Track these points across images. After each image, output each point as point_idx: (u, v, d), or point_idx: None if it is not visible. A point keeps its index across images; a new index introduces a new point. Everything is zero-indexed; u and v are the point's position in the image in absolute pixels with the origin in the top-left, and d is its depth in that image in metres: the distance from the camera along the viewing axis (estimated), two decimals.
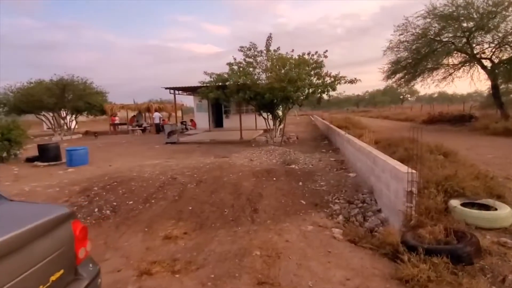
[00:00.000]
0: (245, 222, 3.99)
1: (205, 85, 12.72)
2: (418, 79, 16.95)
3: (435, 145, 7.65)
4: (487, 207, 3.85)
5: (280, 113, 12.88)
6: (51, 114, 17.37)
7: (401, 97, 55.94)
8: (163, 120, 22.90)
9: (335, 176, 6.37)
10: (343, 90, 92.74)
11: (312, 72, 11.38)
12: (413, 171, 3.65)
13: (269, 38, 12.11)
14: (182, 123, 22.11)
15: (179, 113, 25.96)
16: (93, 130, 21.58)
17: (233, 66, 12.30)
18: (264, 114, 13.35)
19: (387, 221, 4.24)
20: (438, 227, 3.23)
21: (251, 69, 12.04)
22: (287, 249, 3.21)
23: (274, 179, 6.28)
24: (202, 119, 21.28)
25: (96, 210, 4.50)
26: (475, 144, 9.70)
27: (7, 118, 10.01)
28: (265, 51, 11.96)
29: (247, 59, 12.24)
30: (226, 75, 12.13)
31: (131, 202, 4.80)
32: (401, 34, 15.03)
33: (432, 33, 14.22)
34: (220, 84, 12.45)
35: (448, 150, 7.30)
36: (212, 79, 12.43)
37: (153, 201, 4.90)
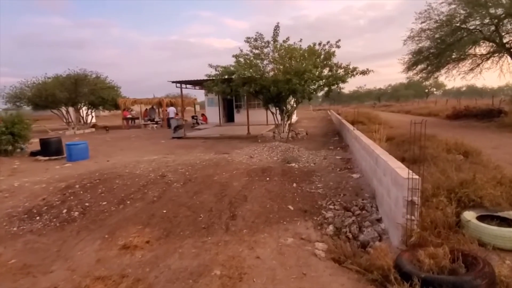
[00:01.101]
0: (218, 231, 3.51)
1: (210, 78, 12.30)
2: (442, 71, 15.60)
3: (455, 142, 6.80)
4: (509, 222, 3.14)
5: (288, 107, 12.21)
6: (65, 108, 17.70)
7: (426, 90, 52.94)
8: (176, 114, 22.84)
9: (336, 177, 5.74)
10: (364, 83, 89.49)
11: (321, 64, 10.62)
12: (416, 176, 3.00)
13: (277, 27, 11.43)
14: (193, 117, 21.95)
15: (190, 108, 25.81)
16: (110, 125, 21.94)
17: (239, 58, 11.78)
18: (273, 109, 12.78)
19: (387, 233, 3.61)
20: (443, 249, 2.58)
21: (258, 61, 11.47)
22: (255, 268, 2.70)
23: (268, 179, 5.74)
24: (213, 114, 20.96)
25: (65, 211, 4.20)
26: (503, 142, 8.61)
27: (12, 112, 10.02)
28: (272, 42, 11.30)
29: (254, 51, 11.67)
30: (232, 68, 11.63)
31: (104, 203, 4.46)
32: (423, 22, 13.79)
33: (457, 20, 12.90)
34: (226, 77, 11.98)
35: (469, 148, 6.44)
36: (217, 72, 11.97)
37: (128, 202, 4.54)
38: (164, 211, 4.13)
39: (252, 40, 11.71)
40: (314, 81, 10.24)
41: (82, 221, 3.92)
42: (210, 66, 11.91)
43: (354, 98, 62.28)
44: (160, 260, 2.92)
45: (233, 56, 11.93)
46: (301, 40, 11.20)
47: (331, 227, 3.69)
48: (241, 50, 12.06)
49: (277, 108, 12.40)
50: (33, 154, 9.66)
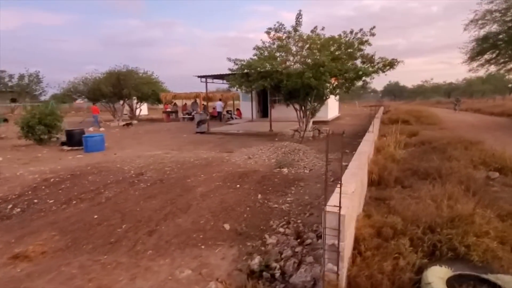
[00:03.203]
0: (121, 249, 3.05)
1: (232, 73, 11.87)
2: None
3: (492, 154, 5.16)
4: None
5: (309, 104, 11.12)
6: (112, 101, 19.25)
7: (510, 85, 44.33)
8: (223, 108, 23.24)
9: (318, 190, 4.79)
10: (431, 77, 79.33)
11: (345, 55, 9.31)
12: (337, 210, 2.09)
13: (299, 15, 10.40)
14: (228, 112, 21.96)
15: (226, 102, 25.82)
16: (157, 117, 23.33)
17: (261, 51, 11.07)
18: (296, 105, 11.82)
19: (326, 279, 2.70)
20: None
21: (280, 53, 10.62)
22: None
23: (238, 186, 5.08)
24: (248, 109, 20.60)
25: (9, 207, 4.22)
26: None
27: (46, 105, 11.03)
28: (292, 32, 10.32)
29: (278, 42, 10.84)
30: (250, 61, 11.00)
31: (51, 201, 4.38)
32: (491, 2, 11.17)
33: None
34: (246, 71, 11.41)
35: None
36: (238, 65, 11.46)
37: (75, 202, 4.38)
38: (95, 217, 3.83)
39: (274, 30, 10.90)
40: (330, 76, 8.99)
41: (15, 220, 3.87)
42: (229, 59, 11.46)
43: (419, 94, 55.70)
44: (33, 278, 2.58)
45: (254, 48, 11.28)
46: (323, 29, 10.00)
47: (257, 260, 2.92)
48: (263, 42, 11.35)
49: (299, 105, 11.41)
50: (63, 144, 10.52)
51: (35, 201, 4.43)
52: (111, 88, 17.52)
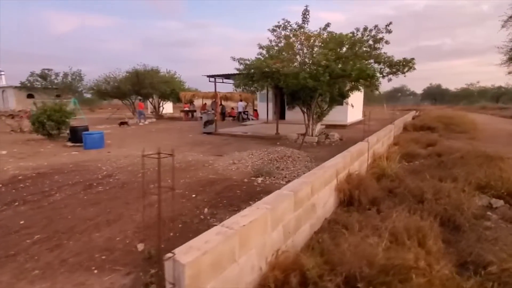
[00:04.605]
0: (12, 264, 2.73)
1: (238, 72, 11.46)
2: None
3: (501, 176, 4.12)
4: None
5: (314, 107, 10.33)
6: (131, 99, 19.91)
7: None
8: (244, 108, 23.13)
9: None
10: (477, 80, 72.31)
11: (352, 54, 8.42)
12: (179, 258, 1.53)
13: (305, 12, 9.68)
14: (244, 113, 21.63)
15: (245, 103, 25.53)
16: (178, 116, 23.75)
17: (266, 49, 10.53)
18: (304, 108, 11.08)
19: None
20: None
21: (284, 52, 10.00)
22: None
23: (194, 196, 4.64)
24: (264, 110, 20.09)
25: None
26: None
27: (56, 101, 11.46)
28: (297, 29, 9.63)
29: (283, 41, 10.22)
30: (253, 61, 10.50)
31: None
32: None
33: None
34: (252, 71, 10.93)
35: None
36: (242, 65, 11.02)
37: (17, 204, 4.20)
38: (21, 222, 3.60)
39: (281, 28, 10.28)
40: (333, 76, 8.15)
41: None
42: (233, 59, 11.05)
43: (463, 98, 50.92)
44: None
45: (259, 46, 10.76)
46: (328, 25, 9.17)
47: None
48: (270, 41, 10.78)
49: (304, 107, 10.67)
50: (69, 140, 10.86)
51: None
52: (130, 87, 18.02)
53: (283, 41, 10.21)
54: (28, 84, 38.68)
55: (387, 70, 9.64)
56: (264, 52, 10.48)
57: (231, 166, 6.83)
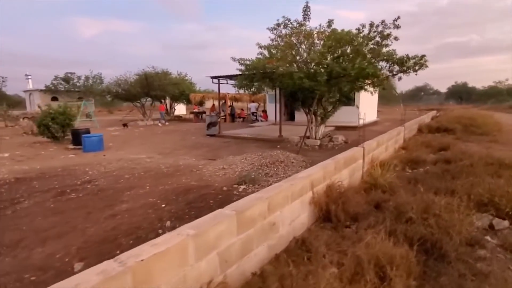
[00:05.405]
0: None
1: (239, 73, 11.13)
2: None
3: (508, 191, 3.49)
4: None
5: (315, 108, 9.78)
6: (141, 102, 20.10)
7: None
8: (256, 109, 22.92)
9: None
10: (505, 78, 67.48)
11: (353, 52, 7.84)
12: None
13: (306, 8, 9.17)
14: (253, 114, 21.29)
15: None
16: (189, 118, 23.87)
17: (266, 49, 10.13)
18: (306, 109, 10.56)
19: None
20: None
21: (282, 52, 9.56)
22: None
23: (164, 206, 4.34)
24: (273, 111, 19.66)
25: None
26: None
27: (60, 104, 11.61)
28: (296, 26, 9.14)
29: (285, 39, 9.76)
30: (252, 61, 10.12)
31: None
32: None
33: None
34: (254, 72, 10.57)
35: None
36: (242, 66, 10.68)
37: None
38: None
39: (282, 26, 9.83)
40: (331, 76, 7.58)
41: None
42: (233, 59, 10.72)
43: (491, 96, 47.79)
44: None
45: (260, 47, 10.37)
46: (331, 21, 8.61)
47: None
48: (272, 40, 10.35)
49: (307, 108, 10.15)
50: (72, 142, 10.99)
51: None
52: (138, 89, 18.19)
53: (283, 40, 9.77)
54: (52, 88, 40.59)
55: (397, 68, 8.98)
56: (265, 52, 10.08)
57: (219, 172, 6.50)
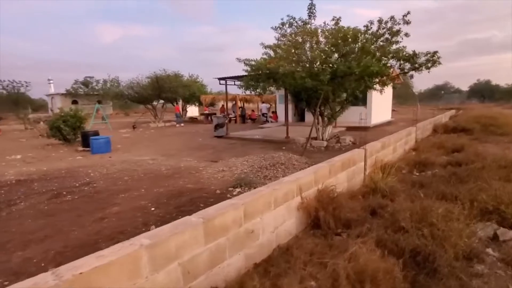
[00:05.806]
0: None
1: (246, 74, 11.02)
2: None
3: None
4: None
5: (322, 108, 9.51)
6: (152, 104, 20.43)
7: None
8: (268, 110, 22.85)
9: None
10: None
11: (359, 50, 7.53)
12: None
13: (311, 6, 8.94)
14: (263, 115, 21.13)
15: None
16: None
17: (271, 49, 9.96)
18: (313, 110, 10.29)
19: None
20: None
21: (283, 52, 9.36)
22: None
23: (153, 209, 4.26)
24: (283, 111, 19.40)
25: None
26: None
27: (72, 108, 11.93)
28: (301, 25, 8.92)
29: (291, 39, 9.57)
30: (258, 62, 9.97)
31: None
32: None
33: None
34: (260, 72, 10.43)
35: None
36: (248, 67, 10.56)
37: None
38: None
39: (287, 25, 9.64)
40: (335, 75, 7.30)
41: None
42: (238, 60, 10.61)
43: None
44: None
45: (264, 47, 10.21)
46: (339, 19, 8.33)
47: None
48: (277, 40, 10.18)
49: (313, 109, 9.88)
50: (81, 144, 11.24)
51: None
52: (150, 92, 18.48)
53: (287, 39, 9.57)
54: (72, 91, 42.23)
55: (408, 66, 8.58)
56: (271, 52, 9.91)
57: (217, 174, 6.39)
